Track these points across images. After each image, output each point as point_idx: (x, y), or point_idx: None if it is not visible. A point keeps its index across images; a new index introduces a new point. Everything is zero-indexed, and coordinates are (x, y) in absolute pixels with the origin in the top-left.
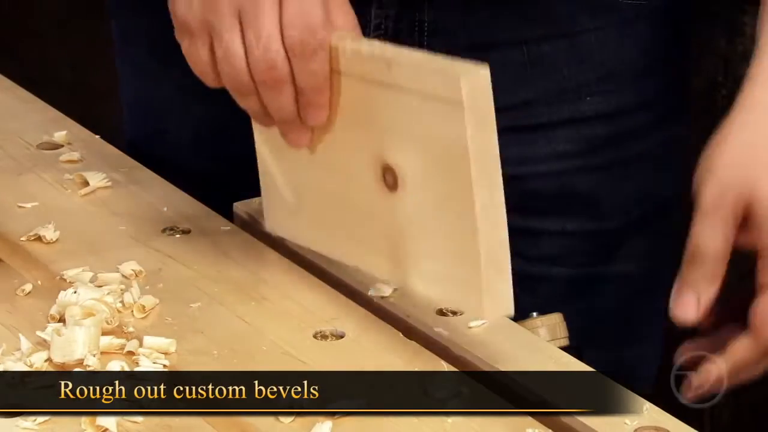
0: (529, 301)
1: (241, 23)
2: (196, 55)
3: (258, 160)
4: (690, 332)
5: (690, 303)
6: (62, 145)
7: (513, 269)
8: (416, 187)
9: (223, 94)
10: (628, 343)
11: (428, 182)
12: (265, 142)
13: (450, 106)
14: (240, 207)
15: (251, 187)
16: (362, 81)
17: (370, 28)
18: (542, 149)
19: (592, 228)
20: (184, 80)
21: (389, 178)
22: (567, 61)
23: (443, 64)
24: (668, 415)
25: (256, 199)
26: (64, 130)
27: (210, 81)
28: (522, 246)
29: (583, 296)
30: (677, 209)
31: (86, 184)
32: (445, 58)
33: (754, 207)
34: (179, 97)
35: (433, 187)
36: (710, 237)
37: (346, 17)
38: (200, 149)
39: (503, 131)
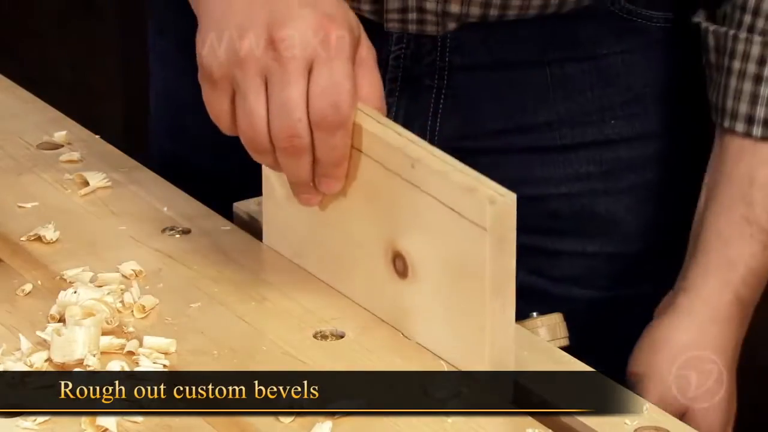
0: None
1: (266, 85)
2: (215, 103)
3: (263, 184)
4: None
5: None
6: (62, 145)
7: (535, 288)
8: (427, 282)
9: None
10: None
11: (440, 282)
12: (275, 177)
13: (472, 226)
14: (240, 207)
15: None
16: (383, 167)
17: (391, 43)
18: (564, 170)
19: (613, 251)
20: None
21: (399, 265)
22: (591, 83)
23: (470, 183)
24: (668, 415)
25: (256, 199)
26: (64, 130)
27: (225, 129)
28: (543, 265)
29: (604, 318)
30: None
31: (86, 184)
32: (471, 173)
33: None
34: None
35: (444, 287)
36: None
37: (371, 88)
38: (219, 148)
39: (525, 151)
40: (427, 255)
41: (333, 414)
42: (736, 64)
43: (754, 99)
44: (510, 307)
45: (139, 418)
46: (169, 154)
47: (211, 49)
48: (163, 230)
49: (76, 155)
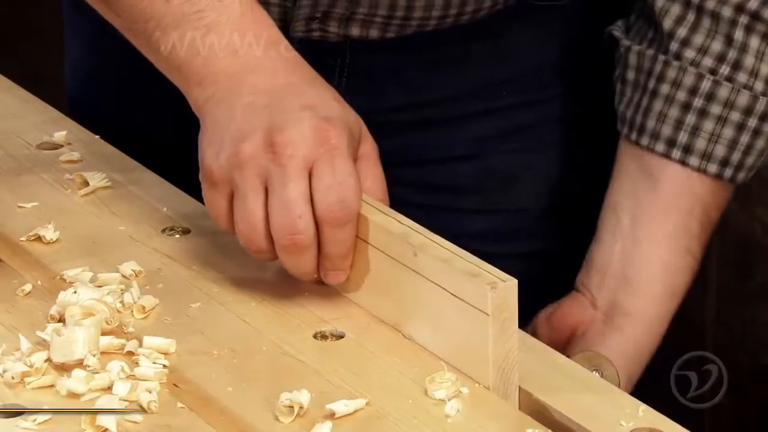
0: None
1: (266, 188)
2: (215, 202)
3: None
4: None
5: None
6: (62, 145)
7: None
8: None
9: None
10: None
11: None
12: None
13: (475, 311)
14: None
15: None
16: (386, 255)
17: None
18: (462, 135)
19: (511, 207)
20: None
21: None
22: (490, 60)
23: (472, 269)
24: (663, 416)
25: None
26: (64, 130)
27: (223, 226)
28: (450, 223)
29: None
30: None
31: (86, 184)
32: (473, 259)
33: None
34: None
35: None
36: None
37: (374, 181)
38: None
39: (425, 121)
40: (431, 339)
41: (333, 414)
42: (664, 88)
43: (678, 125)
44: (514, 391)
45: (139, 418)
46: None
47: (213, 152)
48: (163, 230)
49: (76, 155)
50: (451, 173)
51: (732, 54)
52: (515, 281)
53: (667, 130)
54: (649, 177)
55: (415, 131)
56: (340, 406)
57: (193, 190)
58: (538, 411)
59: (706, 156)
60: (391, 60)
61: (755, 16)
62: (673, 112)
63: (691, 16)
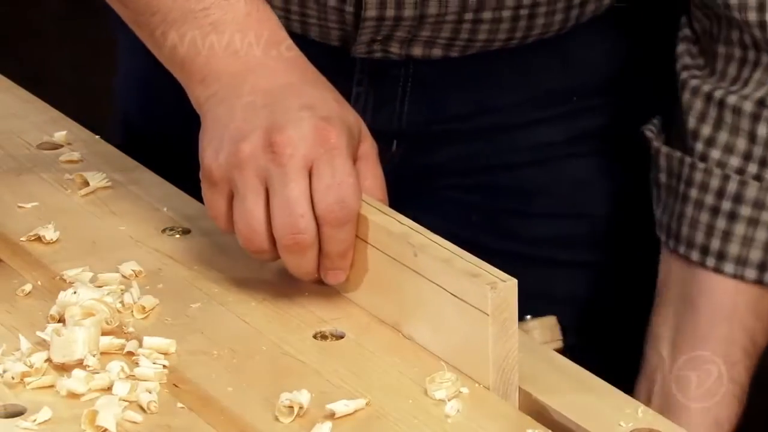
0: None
1: (266, 187)
2: (214, 202)
3: None
4: None
5: None
6: (62, 145)
7: (511, 252)
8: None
9: None
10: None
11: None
12: None
13: (475, 311)
14: None
15: None
16: (386, 255)
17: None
18: (528, 141)
19: (581, 212)
20: None
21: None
22: (553, 67)
23: (472, 269)
24: (662, 417)
25: None
26: (64, 130)
27: (222, 226)
28: (516, 228)
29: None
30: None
31: (86, 184)
32: (473, 259)
33: None
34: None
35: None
36: None
37: (374, 181)
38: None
39: (490, 130)
40: (431, 339)
41: (333, 414)
42: (693, 193)
43: (709, 230)
44: (514, 391)
45: (139, 418)
46: (140, 133)
47: (213, 151)
48: (163, 230)
49: (76, 155)
50: (516, 178)
51: (758, 151)
52: (515, 281)
53: (700, 237)
54: (688, 297)
55: (478, 139)
56: (340, 406)
57: (194, 190)
58: (537, 411)
59: (741, 261)
60: (455, 72)
61: None
62: (704, 218)
63: (713, 112)
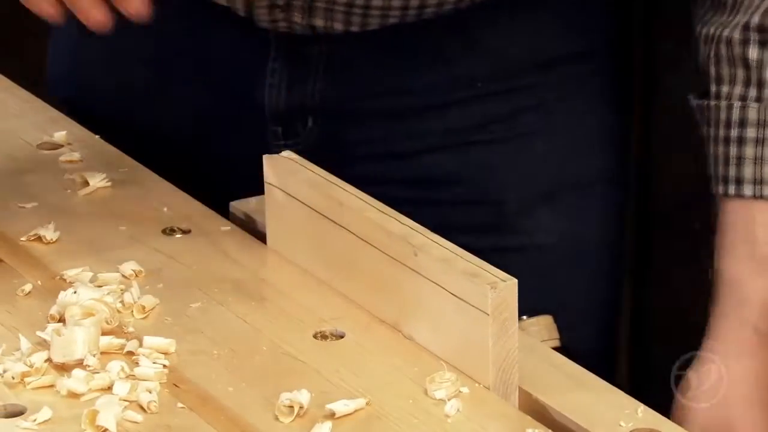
0: None
1: None
2: None
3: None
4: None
5: None
6: (62, 145)
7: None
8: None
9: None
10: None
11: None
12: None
13: (475, 311)
14: (237, 207)
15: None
16: (386, 255)
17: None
18: (440, 126)
19: (489, 199)
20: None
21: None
22: (460, 52)
23: (472, 269)
24: (662, 417)
25: (252, 199)
26: (64, 130)
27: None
28: (425, 216)
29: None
30: (585, 188)
31: (86, 184)
32: (473, 259)
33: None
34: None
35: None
36: None
37: None
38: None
39: (402, 110)
40: (430, 338)
41: (333, 414)
42: (712, 131)
43: (726, 160)
44: (514, 391)
45: (139, 418)
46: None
47: None
48: (163, 230)
49: (76, 155)
50: (427, 164)
51: (754, 75)
52: (515, 281)
53: (720, 170)
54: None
55: (392, 121)
56: (340, 406)
57: (194, 189)
58: (537, 411)
59: (758, 181)
60: (367, 52)
61: (762, 29)
62: (720, 150)
63: (713, 50)
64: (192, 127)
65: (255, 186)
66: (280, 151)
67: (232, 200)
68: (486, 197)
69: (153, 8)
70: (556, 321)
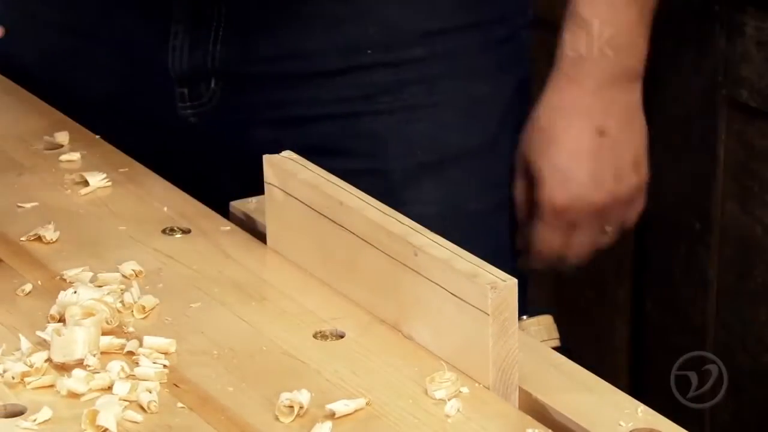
0: None
1: None
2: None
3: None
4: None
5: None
6: (62, 145)
7: None
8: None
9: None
10: None
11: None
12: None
13: (475, 311)
14: (237, 207)
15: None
16: (386, 255)
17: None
18: (329, 94)
19: (377, 168)
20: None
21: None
22: (348, 17)
23: (472, 269)
24: (662, 417)
25: (252, 199)
26: (64, 130)
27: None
28: None
29: None
30: (470, 158)
31: (86, 184)
32: (473, 259)
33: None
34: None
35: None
36: (516, 188)
37: None
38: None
39: (295, 75)
40: (430, 339)
41: (333, 414)
42: None
43: None
44: (514, 391)
45: (139, 418)
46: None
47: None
48: (163, 230)
49: (76, 155)
50: (321, 134)
51: None
52: (515, 281)
53: None
54: None
55: (286, 85)
56: (340, 406)
57: (193, 189)
58: (537, 411)
59: None
60: (263, 14)
61: None
62: None
63: None
64: (112, 90)
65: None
66: (189, 114)
67: (232, 200)
68: (372, 167)
69: None
70: None
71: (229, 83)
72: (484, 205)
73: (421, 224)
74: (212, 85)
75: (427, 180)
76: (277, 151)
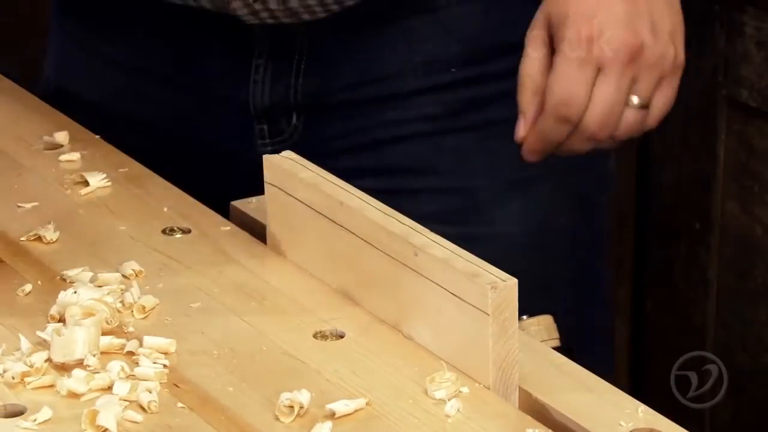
0: None
1: None
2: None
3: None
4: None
5: (520, 124)
6: (62, 145)
7: None
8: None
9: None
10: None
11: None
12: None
13: (475, 311)
14: (237, 207)
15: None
16: (386, 255)
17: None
18: (413, 113)
19: (462, 185)
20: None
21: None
22: (430, 34)
23: (472, 269)
24: (662, 416)
25: (252, 199)
26: (64, 130)
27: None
28: (405, 205)
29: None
30: (557, 174)
31: (86, 184)
32: (473, 259)
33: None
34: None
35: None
36: (527, 63)
37: None
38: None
39: (377, 99)
40: (430, 339)
41: (333, 414)
42: None
43: None
44: (514, 391)
45: (139, 418)
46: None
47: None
48: (163, 230)
49: (76, 155)
50: (402, 152)
51: None
52: (515, 281)
53: None
54: None
55: (366, 110)
56: (341, 406)
57: (194, 189)
58: (537, 411)
59: None
60: (344, 38)
61: None
62: None
63: None
64: (176, 128)
65: (255, 185)
66: (273, 151)
67: (232, 200)
68: (458, 185)
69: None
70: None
71: (310, 116)
72: (571, 223)
73: (507, 242)
74: (294, 120)
75: (514, 197)
76: (358, 180)
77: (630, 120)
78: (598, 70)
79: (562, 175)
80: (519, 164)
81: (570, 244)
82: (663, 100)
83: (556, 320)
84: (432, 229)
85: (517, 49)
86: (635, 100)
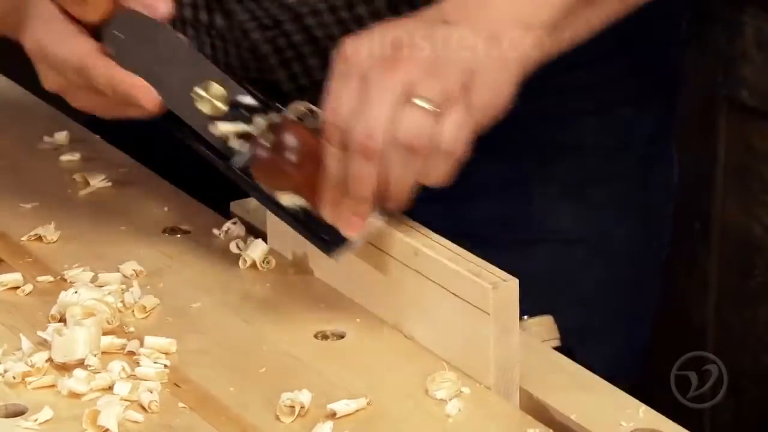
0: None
1: None
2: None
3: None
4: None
5: None
6: (62, 145)
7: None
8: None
9: None
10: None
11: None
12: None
13: (476, 311)
14: (237, 207)
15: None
16: (387, 255)
17: None
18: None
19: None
20: None
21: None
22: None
23: (473, 269)
24: (663, 417)
25: (253, 199)
26: (64, 130)
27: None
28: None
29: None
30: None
31: (86, 184)
32: (474, 259)
33: None
34: None
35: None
36: None
37: None
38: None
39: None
40: (431, 339)
41: (333, 414)
42: None
43: None
44: (515, 391)
45: (140, 418)
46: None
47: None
48: (163, 230)
49: (76, 155)
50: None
51: None
52: (516, 281)
53: None
54: None
55: None
56: (341, 406)
57: (194, 190)
58: (538, 411)
59: None
60: None
61: None
62: None
63: None
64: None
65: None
66: None
67: (232, 200)
68: (513, 190)
69: None
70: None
71: None
72: (628, 231)
73: (564, 249)
74: None
75: (568, 203)
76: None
77: (415, 119)
78: (365, 79)
79: (623, 183)
80: (576, 169)
81: (627, 255)
82: (456, 116)
83: (556, 320)
84: (483, 234)
85: (575, 69)
86: (418, 101)
